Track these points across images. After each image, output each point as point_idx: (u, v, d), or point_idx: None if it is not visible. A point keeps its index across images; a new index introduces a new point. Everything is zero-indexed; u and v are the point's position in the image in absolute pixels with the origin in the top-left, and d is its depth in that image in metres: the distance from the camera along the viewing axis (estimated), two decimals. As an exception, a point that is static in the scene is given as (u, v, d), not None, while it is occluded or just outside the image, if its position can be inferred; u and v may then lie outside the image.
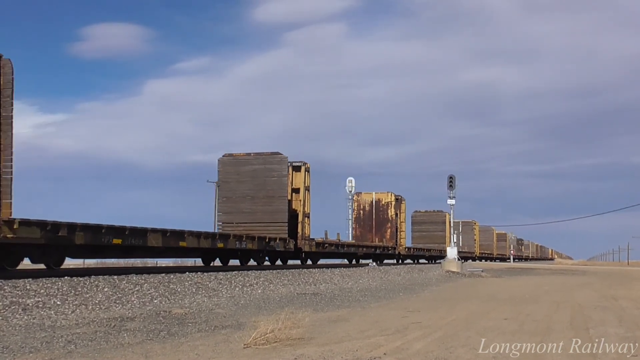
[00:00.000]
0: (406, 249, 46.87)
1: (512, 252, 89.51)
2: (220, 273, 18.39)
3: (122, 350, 7.02)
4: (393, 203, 44.67)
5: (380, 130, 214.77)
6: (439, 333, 8.34)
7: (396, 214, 44.59)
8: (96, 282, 13.05)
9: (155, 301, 11.82)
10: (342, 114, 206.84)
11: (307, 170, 29.15)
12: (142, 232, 17.70)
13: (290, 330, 7.56)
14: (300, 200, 28.80)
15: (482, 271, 34.37)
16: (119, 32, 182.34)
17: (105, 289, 12.22)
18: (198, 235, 20.68)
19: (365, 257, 39.06)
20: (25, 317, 9.13)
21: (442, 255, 44.92)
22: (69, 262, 36.77)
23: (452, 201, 37.74)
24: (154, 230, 18.29)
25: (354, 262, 37.45)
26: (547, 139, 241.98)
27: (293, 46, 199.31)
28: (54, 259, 16.22)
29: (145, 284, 13.65)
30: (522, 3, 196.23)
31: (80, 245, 15.82)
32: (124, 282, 13.66)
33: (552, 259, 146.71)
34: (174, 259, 38.33)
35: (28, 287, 11.49)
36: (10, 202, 13.99)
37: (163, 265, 35.79)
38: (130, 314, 10.00)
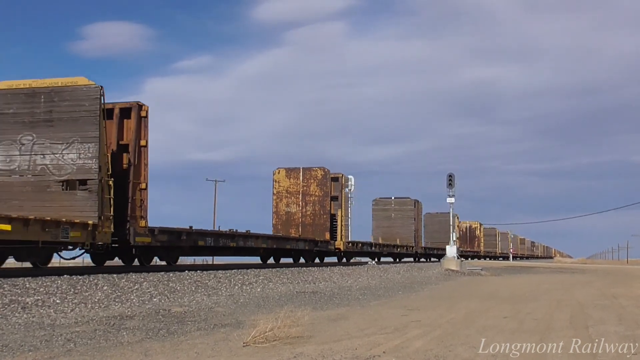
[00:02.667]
0: (484, 252, 78.03)
1: (511, 250, 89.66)
2: (220, 271, 18.41)
3: (122, 349, 7.01)
4: (479, 227, 76.42)
5: (380, 129, 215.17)
6: (438, 331, 8.33)
7: (479, 234, 77.06)
8: (95, 281, 13.06)
9: (155, 299, 11.81)
10: (342, 113, 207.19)
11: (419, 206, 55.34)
12: None
13: (290, 328, 7.55)
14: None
15: (481, 269, 34.40)
16: (120, 31, 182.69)
17: (105, 288, 12.21)
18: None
19: (464, 257, 59.47)
20: (25, 316, 9.12)
21: (491, 254, 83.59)
22: (68, 260, 36.65)
23: (452, 199, 37.75)
24: None
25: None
26: (547, 137, 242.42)
27: (294, 45, 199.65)
28: None
29: (145, 283, 13.65)
30: (523, 2, 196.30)
31: None
32: (123, 280, 13.67)
33: (551, 258, 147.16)
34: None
35: (27, 286, 11.49)
36: None
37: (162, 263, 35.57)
38: (129, 313, 9.99)
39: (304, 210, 34.28)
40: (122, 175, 18.25)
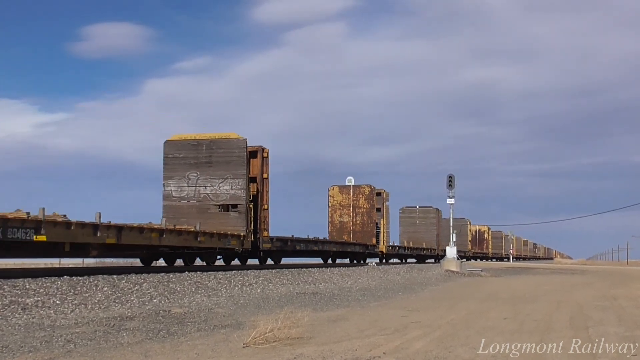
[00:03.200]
0: (491, 253, 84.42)
1: (511, 250, 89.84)
2: (220, 272, 18.40)
3: (122, 350, 7.02)
4: (487, 230, 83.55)
5: (380, 130, 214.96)
6: (438, 332, 8.34)
7: (488, 237, 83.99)
8: (95, 282, 13.05)
9: (155, 300, 11.81)
10: (342, 114, 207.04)
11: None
12: None
13: (290, 329, 7.56)
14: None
15: (481, 270, 34.41)
16: (119, 32, 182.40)
17: (105, 288, 12.21)
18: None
19: (475, 258, 71.97)
20: (25, 317, 9.12)
21: (497, 256, 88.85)
22: (68, 261, 36.79)
23: (452, 200, 37.77)
24: None
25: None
26: (547, 138, 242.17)
27: (293, 46, 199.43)
28: None
29: (145, 283, 13.65)
30: (522, 3, 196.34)
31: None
32: (124, 281, 13.66)
33: (552, 259, 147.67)
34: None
35: (27, 287, 11.48)
36: None
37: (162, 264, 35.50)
38: (129, 314, 9.99)
39: (354, 219, 41.45)
40: (253, 199, 24.46)
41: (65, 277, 13.80)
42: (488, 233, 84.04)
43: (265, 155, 25.02)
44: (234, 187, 23.78)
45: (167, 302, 11.78)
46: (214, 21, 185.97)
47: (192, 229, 20.46)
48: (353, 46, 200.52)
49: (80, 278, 13.65)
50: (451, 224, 40.14)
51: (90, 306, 10.41)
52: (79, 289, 11.89)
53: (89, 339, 7.67)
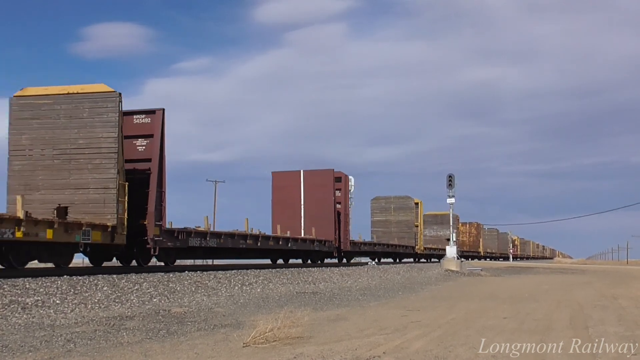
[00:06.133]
0: (519, 254, 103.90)
1: (511, 250, 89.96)
2: (220, 272, 18.41)
3: (122, 349, 7.02)
4: (517, 238, 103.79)
5: (380, 130, 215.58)
6: (438, 332, 8.34)
7: (517, 243, 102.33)
8: (95, 281, 13.05)
9: (155, 300, 11.81)
10: (342, 114, 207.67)
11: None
12: None
13: (290, 329, 7.56)
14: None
15: (481, 270, 34.40)
16: (121, 32, 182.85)
17: (105, 288, 12.21)
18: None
19: (490, 258, 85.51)
20: (25, 316, 9.12)
21: (520, 256, 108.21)
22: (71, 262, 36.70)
23: (452, 200, 37.74)
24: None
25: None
26: (547, 138, 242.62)
27: (294, 46, 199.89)
28: None
29: (145, 283, 13.65)
30: (523, 3, 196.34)
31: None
32: (123, 281, 13.66)
33: (550, 258, 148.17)
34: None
35: (27, 286, 11.48)
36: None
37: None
38: (129, 313, 9.99)
39: (469, 240, 74.63)
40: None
41: (65, 276, 13.80)
42: (518, 240, 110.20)
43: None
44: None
45: (167, 302, 11.78)
46: (215, 22, 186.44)
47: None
48: (353, 47, 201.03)
49: (80, 278, 13.65)
50: (451, 223, 40.13)
51: (90, 306, 10.41)
52: (78, 288, 11.89)
53: (89, 338, 7.67)
